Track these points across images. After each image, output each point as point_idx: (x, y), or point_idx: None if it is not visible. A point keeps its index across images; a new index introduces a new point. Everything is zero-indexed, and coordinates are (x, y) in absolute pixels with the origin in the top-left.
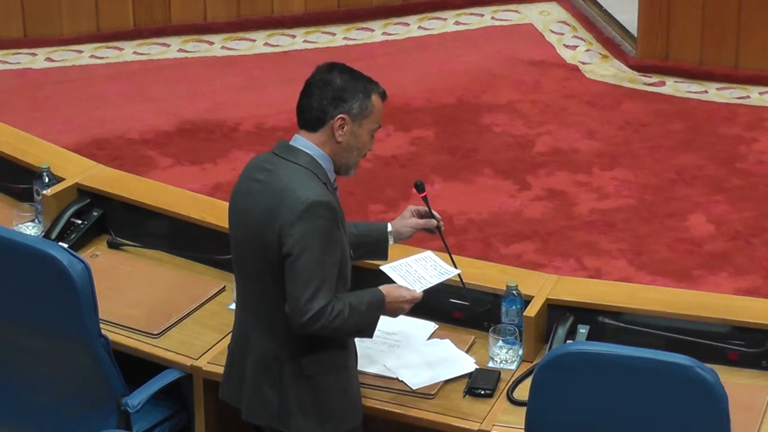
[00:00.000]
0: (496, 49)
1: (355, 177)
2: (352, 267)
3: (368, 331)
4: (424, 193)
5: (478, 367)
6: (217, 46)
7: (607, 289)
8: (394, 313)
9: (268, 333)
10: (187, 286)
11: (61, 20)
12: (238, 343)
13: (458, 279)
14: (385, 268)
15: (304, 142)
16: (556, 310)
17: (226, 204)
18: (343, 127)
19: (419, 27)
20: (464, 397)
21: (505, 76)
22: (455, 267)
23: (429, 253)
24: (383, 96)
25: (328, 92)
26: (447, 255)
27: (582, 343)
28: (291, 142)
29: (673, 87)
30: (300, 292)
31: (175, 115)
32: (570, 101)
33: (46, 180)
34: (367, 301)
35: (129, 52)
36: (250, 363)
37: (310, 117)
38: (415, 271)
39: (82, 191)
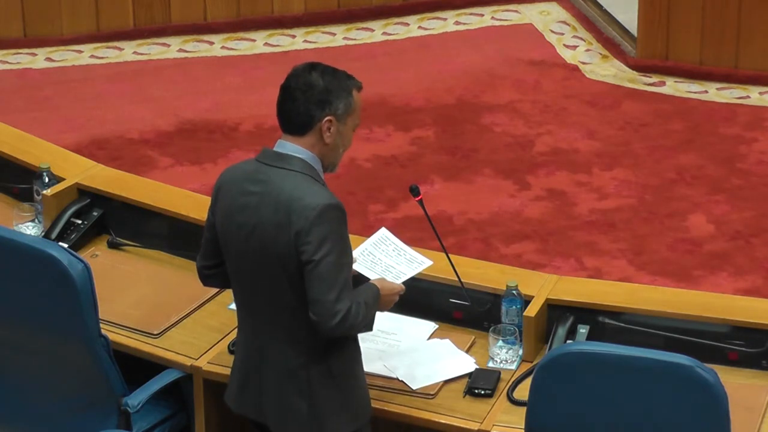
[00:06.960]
0: (496, 49)
1: (355, 177)
2: None
3: (371, 326)
4: (419, 197)
5: (478, 367)
6: (217, 46)
7: (607, 289)
8: (386, 307)
9: (288, 342)
10: (187, 286)
11: (61, 20)
12: (251, 356)
13: (456, 279)
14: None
15: (292, 146)
16: (556, 310)
17: None
18: (330, 129)
19: (419, 27)
20: (464, 397)
21: (505, 76)
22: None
23: (384, 232)
24: (360, 89)
25: (313, 95)
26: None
27: (582, 343)
28: (277, 149)
29: (673, 87)
30: (326, 295)
31: (175, 115)
32: (570, 101)
33: (46, 180)
34: (372, 296)
35: (129, 52)
36: (270, 375)
37: (297, 122)
38: (380, 260)
39: (82, 191)
